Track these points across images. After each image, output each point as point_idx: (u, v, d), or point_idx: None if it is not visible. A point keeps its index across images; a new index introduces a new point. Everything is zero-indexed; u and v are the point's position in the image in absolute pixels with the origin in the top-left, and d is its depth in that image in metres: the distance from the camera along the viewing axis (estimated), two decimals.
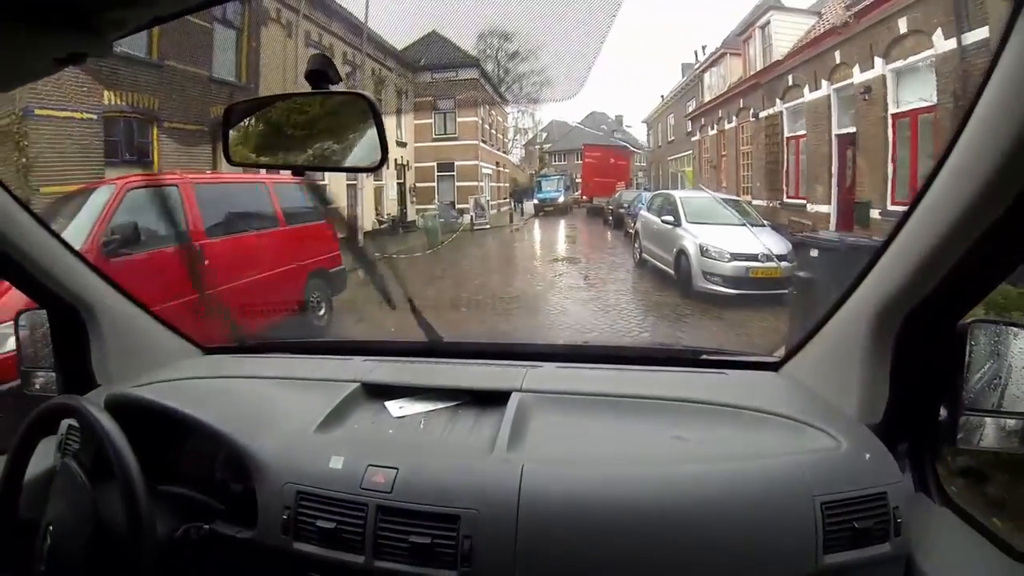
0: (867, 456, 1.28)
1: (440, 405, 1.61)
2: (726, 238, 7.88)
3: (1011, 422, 1.30)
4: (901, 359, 1.35)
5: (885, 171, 10.38)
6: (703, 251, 7.91)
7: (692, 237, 8.25)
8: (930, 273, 1.19)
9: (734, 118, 18.44)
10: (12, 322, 3.52)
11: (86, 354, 1.84)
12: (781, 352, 1.74)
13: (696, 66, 23.63)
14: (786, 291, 6.27)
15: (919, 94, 9.54)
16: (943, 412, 1.33)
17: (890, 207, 10.16)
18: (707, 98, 21.39)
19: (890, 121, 10.28)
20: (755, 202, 15.15)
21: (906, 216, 1.20)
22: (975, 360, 1.28)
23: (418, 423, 1.55)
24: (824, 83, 12.64)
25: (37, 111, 9.31)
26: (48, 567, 1.23)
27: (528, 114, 33.14)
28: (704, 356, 1.83)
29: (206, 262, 5.42)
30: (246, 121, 1.40)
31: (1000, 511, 2.65)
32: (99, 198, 5.09)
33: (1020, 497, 2.73)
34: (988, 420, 1.29)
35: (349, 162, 1.39)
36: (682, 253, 8.33)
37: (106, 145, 10.33)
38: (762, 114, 15.98)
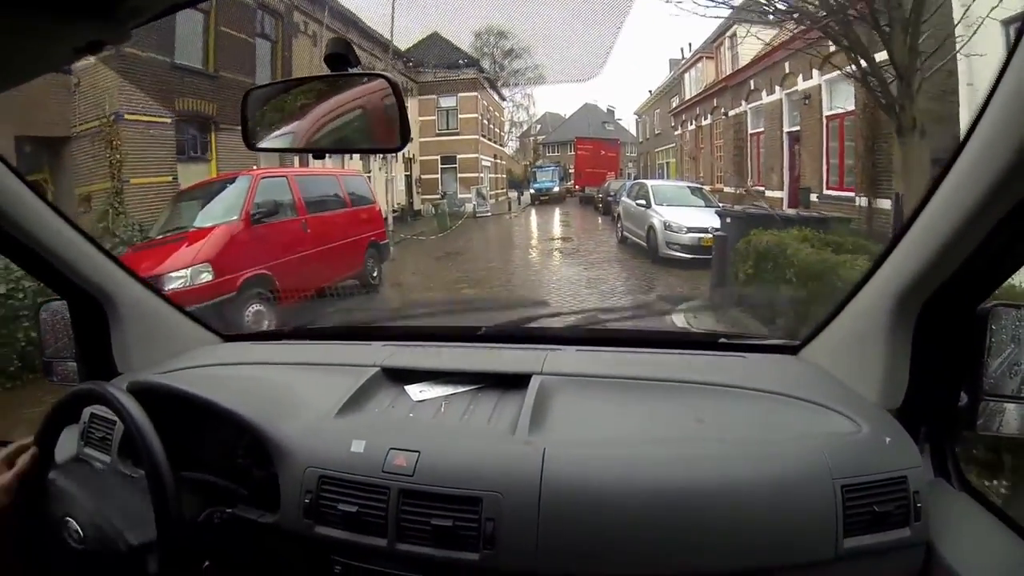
0: (887, 440, 1.25)
1: (460, 389, 1.59)
2: (685, 216, 10.10)
3: None
4: (921, 343, 1.32)
5: (820, 163, 12.60)
6: (666, 226, 10.11)
7: (659, 216, 10.45)
8: (951, 257, 1.14)
9: (709, 116, 20.44)
10: (185, 269, 5.69)
11: (106, 343, 1.84)
12: (799, 337, 1.72)
13: (678, 66, 25.39)
14: None
15: (844, 101, 11.73)
16: (963, 397, 1.29)
17: (825, 191, 12.36)
18: (687, 96, 23.22)
19: (824, 122, 12.44)
20: (726, 189, 17.30)
21: (925, 200, 1.15)
22: (996, 345, 1.23)
23: (438, 407, 1.53)
24: (777, 88, 14.76)
25: (126, 116, 11.11)
26: (75, 556, 1.21)
27: (523, 108, 34.71)
28: (722, 340, 1.83)
29: (308, 231, 7.59)
30: (265, 105, 1.38)
31: (1019, 496, 2.66)
32: (242, 184, 7.22)
33: None
34: (1008, 406, 1.25)
35: (370, 144, 1.43)
36: (651, 228, 10.51)
37: (177, 144, 12.11)
38: (731, 113, 18.06)
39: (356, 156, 14.56)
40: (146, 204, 11.00)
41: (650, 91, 31.20)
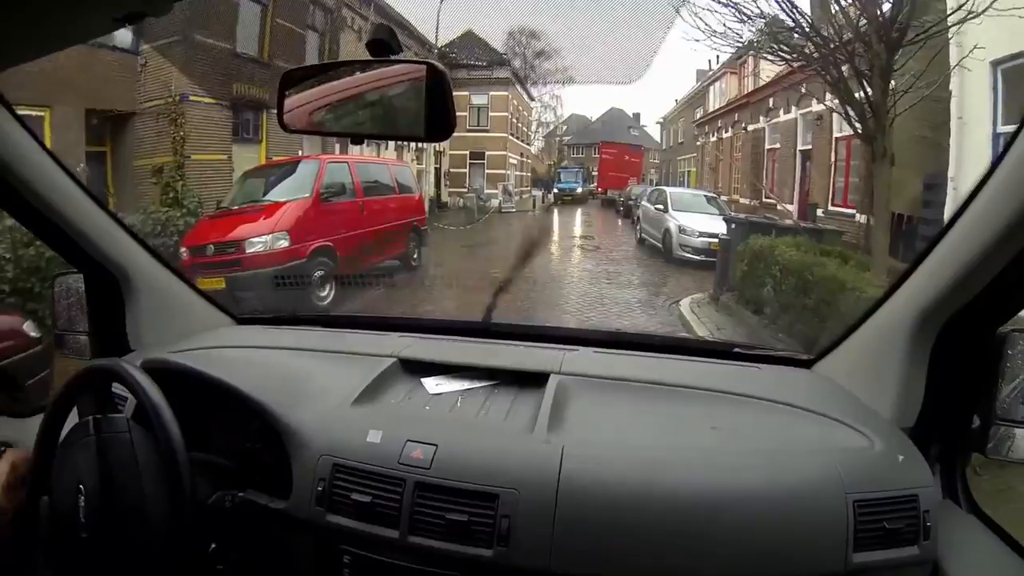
0: (900, 458, 1.26)
1: (476, 384, 1.59)
2: (698, 221, 11.10)
3: None
4: (938, 364, 1.33)
5: (828, 181, 13.49)
6: (680, 230, 11.10)
7: (675, 220, 11.44)
8: (973, 281, 1.16)
9: (730, 129, 21.23)
10: (267, 235, 6.84)
11: (120, 319, 1.83)
12: (814, 351, 1.72)
13: (704, 78, 25.94)
14: None
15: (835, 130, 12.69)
16: (975, 420, 1.30)
17: (830, 208, 13.25)
18: (711, 108, 23.97)
19: (833, 143, 13.30)
20: (742, 200, 18.15)
21: (951, 223, 1.18)
22: (1011, 370, 1.24)
23: (455, 401, 1.53)
24: (793, 108, 15.62)
25: (191, 97, 12.07)
26: (84, 532, 1.20)
27: (551, 109, 34.19)
28: (737, 349, 1.81)
29: (364, 212, 8.67)
30: (303, 88, 1.34)
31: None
32: (312, 166, 8.40)
33: None
34: (1018, 431, 1.26)
35: (410, 132, 1.37)
36: (667, 231, 11.49)
37: (232, 126, 13.11)
38: (750, 128, 18.91)
39: (391, 146, 15.73)
40: (204, 179, 11.96)
41: (676, 100, 31.59)
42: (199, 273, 6.59)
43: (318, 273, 7.26)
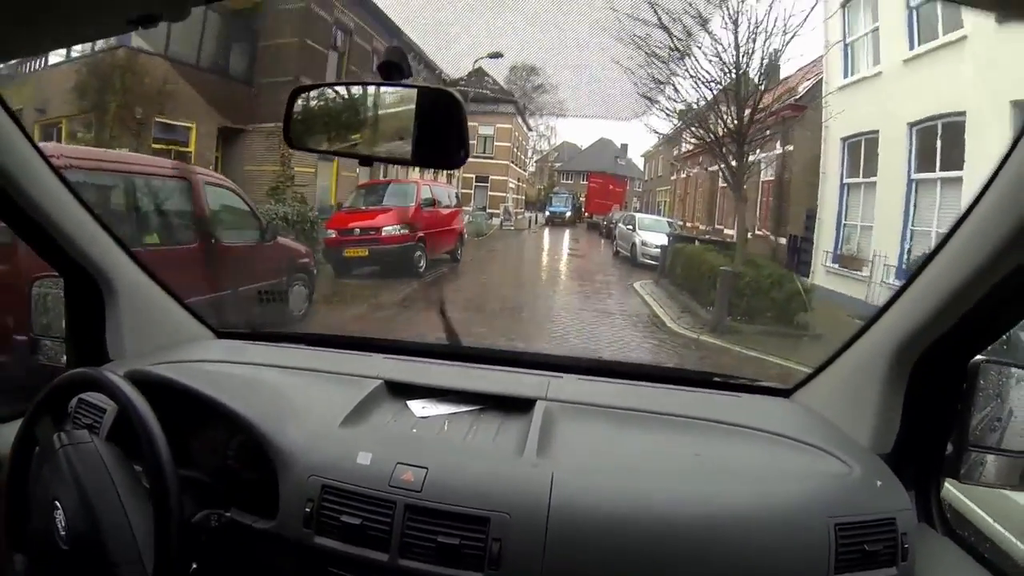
0: (878, 483, 1.29)
1: (463, 408, 1.60)
2: (655, 238, 15.60)
3: (1010, 461, 1.33)
4: (914, 393, 1.38)
5: (755, 212, 17.91)
6: (643, 243, 15.71)
7: (640, 237, 16.09)
8: (949, 313, 1.21)
9: (696, 168, 24.81)
10: (394, 225, 11.84)
11: (99, 326, 1.79)
12: (791, 382, 1.78)
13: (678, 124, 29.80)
14: None
15: (771, 172, 17.20)
16: (949, 447, 1.35)
17: (756, 232, 17.46)
18: (683, 149, 26.52)
19: (761, 185, 17.51)
20: (701, 227, 22.13)
21: (929, 259, 1.24)
22: (982, 399, 1.31)
23: (442, 424, 1.53)
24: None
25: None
26: (61, 551, 1.17)
27: (546, 138, 36.65)
28: (716, 379, 1.85)
29: (438, 218, 13.06)
30: (312, 105, 1.35)
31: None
32: (411, 186, 13.02)
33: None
34: (989, 457, 1.32)
35: (421, 157, 1.33)
36: (634, 245, 16.13)
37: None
38: (709, 169, 22.28)
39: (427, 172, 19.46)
40: (297, 187, 14.69)
41: (659, 136, 33.98)
42: (349, 245, 10.88)
43: (417, 253, 11.55)
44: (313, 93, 1.37)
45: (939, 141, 9.91)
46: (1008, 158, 1.04)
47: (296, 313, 7.37)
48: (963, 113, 9.17)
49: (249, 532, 1.35)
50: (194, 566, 1.27)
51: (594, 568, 1.19)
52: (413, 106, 1.25)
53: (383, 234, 11.05)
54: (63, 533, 1.17)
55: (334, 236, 11.37)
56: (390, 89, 1.29)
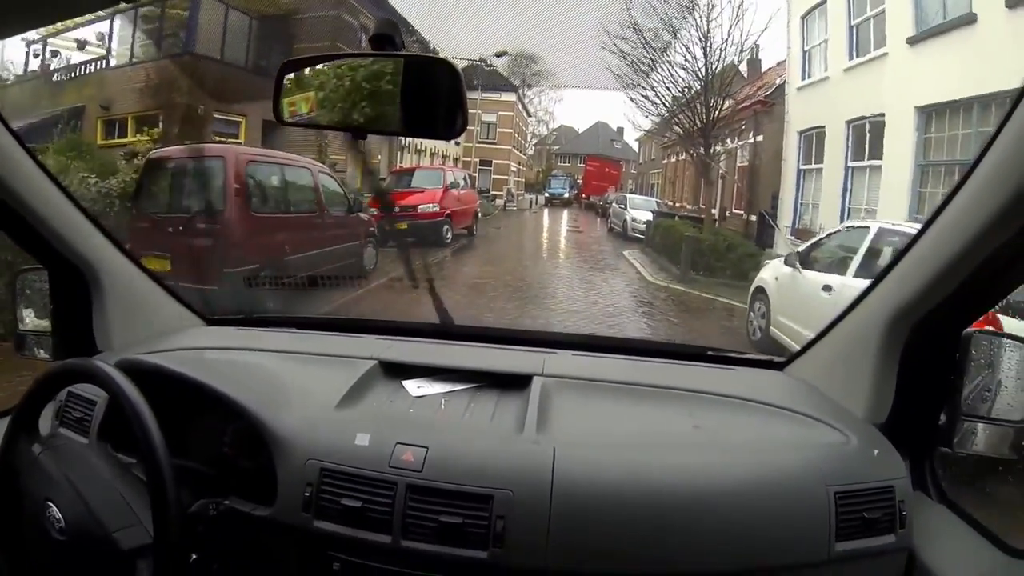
0: (875, 452, 1.31)
1: (458, 386, 1.58)
2: (643, 215, 17.99)
3: (1001, 429, 1.35)
4: (908, 364, 1.37)
5: (732, 193, 20.08)
6: (633, 220, 18.09)
7: (630, 214, 18.52)
8: (944, 284, 1.20)
9: (684, 153, 25.12)
10: (429, 204, 14.56)
11: (87, 318, 1.74)
12: (785, 355, 1.79)
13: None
14: None
15: (738, 161, 19.53)
16: (943, 416, 1.36)
17: (733, 210, 19.76)
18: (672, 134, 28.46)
19: (737, 169, 19.67)
20: (688, 207, 23.89)
21: (923, 230, 1.23)
22: (974, 369, 1.32)
23: (439, 403, 1.51)
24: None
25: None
26: (55, 545, 1.15)
27: (544, 124, 38.34)
28: (710, 352, 1.85)
29: (460, 197, 15.35)
30: (302, 80, 1.31)
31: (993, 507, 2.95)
32: (437, 172, 15.73)
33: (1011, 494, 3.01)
34: (981, 426, 1.34)
35: (416, 128, 1.34)
36: (625, 221, 18.55)
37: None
38: (695, 153, 24.83)
39: (428, 151, 21.38)
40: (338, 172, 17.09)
41: (653, 120, 35.12)
42: (392, 220, 13.01)
43: (445, 227, 13.84)
44: (302, 66, 1.37)
45: (868, 135, 12.47)
46: (998, 135, 1.04)
47: (368, 267, 9.69)
48: (883, 114, 11.78)
49: (248, 520, 1.32)
50: (194, 556, 1.24)
51: (598, 541, 1.18)
52: (409, 77, 1.26)
53: (418, 211, 13.33)
54: (59, 527, 1.16)
55: (377, 214, 13.56)
56: (381, 61, 1.28)
